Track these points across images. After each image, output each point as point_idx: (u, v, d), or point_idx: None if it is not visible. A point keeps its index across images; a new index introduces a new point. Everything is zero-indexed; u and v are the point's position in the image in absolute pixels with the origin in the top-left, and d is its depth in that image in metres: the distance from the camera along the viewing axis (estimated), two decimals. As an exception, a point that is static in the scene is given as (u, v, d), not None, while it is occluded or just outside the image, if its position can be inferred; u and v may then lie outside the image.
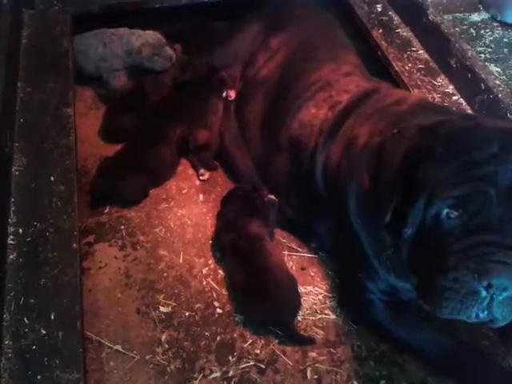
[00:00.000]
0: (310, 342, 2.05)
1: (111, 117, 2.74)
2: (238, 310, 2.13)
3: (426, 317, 1.99)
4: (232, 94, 2.75)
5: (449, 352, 1.96)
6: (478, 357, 1.98)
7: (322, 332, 2.11)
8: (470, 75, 2.45)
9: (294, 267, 2.31)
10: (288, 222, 2.36)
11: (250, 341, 2.07)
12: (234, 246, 2.18)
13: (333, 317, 2.15)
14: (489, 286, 1.49)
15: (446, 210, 1.54)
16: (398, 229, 1.67)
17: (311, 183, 2.17)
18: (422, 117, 1.86)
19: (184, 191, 2.55)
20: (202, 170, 2.57)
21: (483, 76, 2.39)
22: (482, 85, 2.37)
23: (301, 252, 2.36)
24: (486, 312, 1.54)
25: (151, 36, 2.91)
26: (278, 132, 2.35)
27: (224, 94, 2.75)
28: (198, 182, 2.58)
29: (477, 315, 1.55)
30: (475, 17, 3.79)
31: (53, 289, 1.89)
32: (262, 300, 2.04)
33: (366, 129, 1.98)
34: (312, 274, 2.30)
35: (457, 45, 2.55)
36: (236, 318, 2.12)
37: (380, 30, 2.92)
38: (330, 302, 2.20)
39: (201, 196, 2.53)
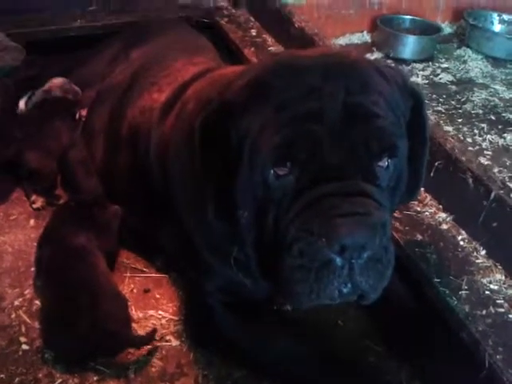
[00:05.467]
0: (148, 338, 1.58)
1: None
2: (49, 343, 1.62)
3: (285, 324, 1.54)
4: (85, 113, 2.44)
5: (321, 369, 1.48)
6: (359, 374, 1.50)
7: (159, 363, 1.60)
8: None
9: (135, 290, 1.84)
10: (132, 235, 1.93)
11: (60, 380, 1.54)
12: (50, 259, 1.73)
13: (175, 343, 1.65)
14: (343, 250, 1.09)
15: (271, 171, 1.17)
16: (233, 216, 1.29)
17: (149, 174, 1.78)
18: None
19: (12, 217, 2.10)
20: (34, 197, 2.15)
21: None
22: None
23: (147, 273, 1.91)
24: (349, 285, 1.13)
25: None
26: (119, 127, 2.00)
27: (77, 116, 2.45)
28: (30, 208, 2.15)
29: (340, 293, 1.14)
30: (369, 56, 3.71)
31: None
32: (72, 323, 1.55)
33: (195, 94, 1.65)
34: (157, 296, 1.82)
35: (321, 42, 2.34)
36: (46, 355, 1.61)
37: (252, 49, 2.73)
38: (174, 326, 1.71)
39: (32, 221, 2.09)
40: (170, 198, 1.67)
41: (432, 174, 1.67)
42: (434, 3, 4.07)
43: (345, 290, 1.13)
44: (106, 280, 1.69)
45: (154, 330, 1.61)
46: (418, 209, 1.69)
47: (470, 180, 1.55)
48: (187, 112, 1.59)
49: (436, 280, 1.46)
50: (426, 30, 3.78)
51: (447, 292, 1.43)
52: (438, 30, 3.75)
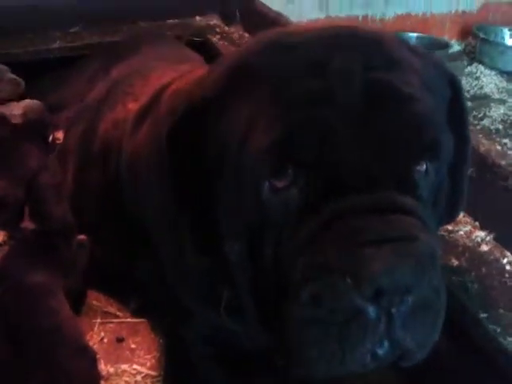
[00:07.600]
0: None
1: None
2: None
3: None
4: (61, 136, 2.17)
5: None
6: None
7: (131, 433, 1.27)
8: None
9: (106, 339, 1.51)
10: (104, 272, 1.62)
11: None
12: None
13: (153, 407, 1.32)
14: (378, 295, 0.75)
15: (266, 182, 0.85)
16: (220, 251, 0.97)
17: (120, 195, 1.48)
18: None
19: (-33, 255, 1.80)
20: (-6, 230, 1.85)
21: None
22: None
23: (121, 318, 1.58)
24: (386, 344, 0.78)
25: None
26: (90, 143, 1.72)
27: (51, 139, 2.19)
28: (-9, 243, 1.85)
29: (374, 356, 0.79)
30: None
31: None
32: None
33: (169, 96, 1.35)
34: (133, 346, 1.49)
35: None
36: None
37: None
38: (152, 383, 1.37)
39: (-11, 259, 1.79)
40: (144, 225, 1.36)
41: (464, 185, 1.35)
42: (440, 20, 3.86)
43: (381, 352, 0.78)
44: (69, 329, 1.37)
45: None
46: (450, 227, 1.37)
47: (515, 187, 1.25)
48: (159, 118, 1.30)
49: (482, 316, 1.13)
50: (434, 46, 3.55)
51: (498, 330, 1.10)
52: (446, 45, 3.52)
